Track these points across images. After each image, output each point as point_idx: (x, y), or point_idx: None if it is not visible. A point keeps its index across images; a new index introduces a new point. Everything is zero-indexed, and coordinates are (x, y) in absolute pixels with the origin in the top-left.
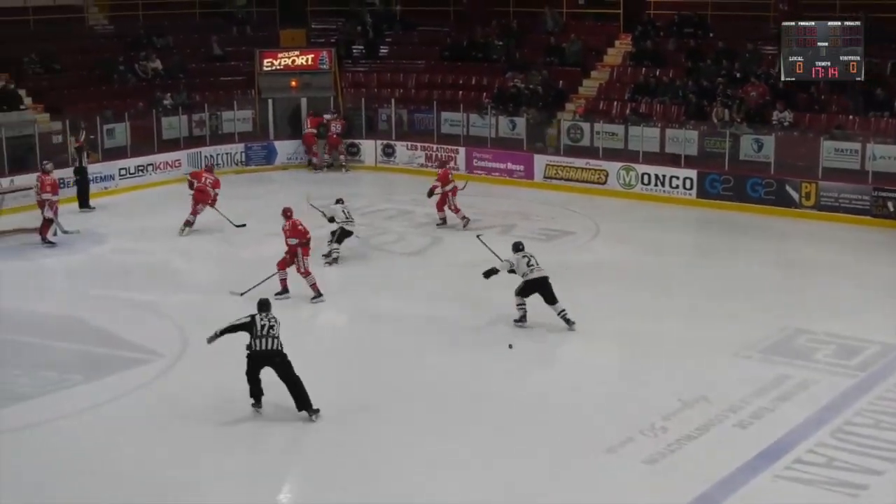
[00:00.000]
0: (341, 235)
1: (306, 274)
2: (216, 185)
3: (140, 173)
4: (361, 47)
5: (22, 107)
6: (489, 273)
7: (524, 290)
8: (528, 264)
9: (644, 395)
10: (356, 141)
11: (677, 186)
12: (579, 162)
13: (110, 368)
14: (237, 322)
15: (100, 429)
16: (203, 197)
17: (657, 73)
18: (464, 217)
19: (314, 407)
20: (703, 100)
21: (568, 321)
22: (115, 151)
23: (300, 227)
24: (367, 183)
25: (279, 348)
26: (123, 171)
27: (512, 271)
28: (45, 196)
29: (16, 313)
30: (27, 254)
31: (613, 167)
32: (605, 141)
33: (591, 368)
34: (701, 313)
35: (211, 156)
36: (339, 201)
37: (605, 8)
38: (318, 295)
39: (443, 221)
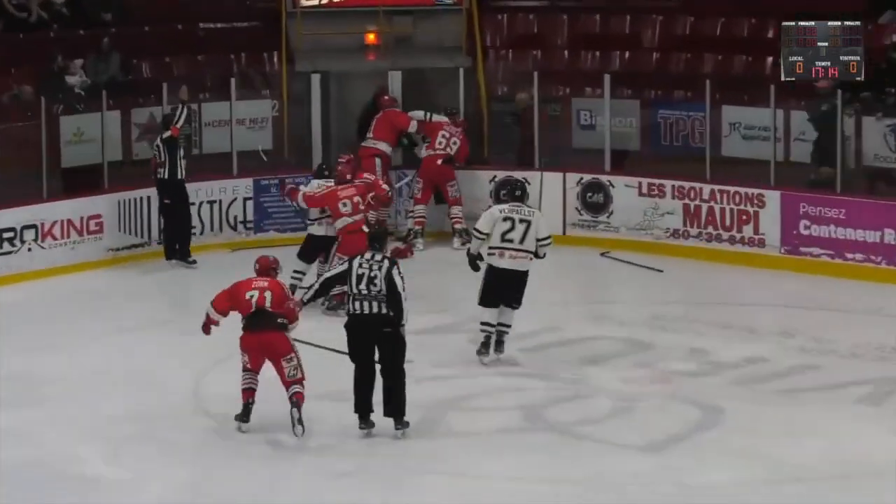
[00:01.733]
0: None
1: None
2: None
3: (5, 248)
4: None
5: None
6: (473, 262)
7: (486, 293)
8: (505, 235)
9: None
10: (513, 175)
11: None
12: None
13: None
14: (332, 273)
15: None
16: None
17: None
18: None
19: (405, 419)
20: None
21: (500, 343)
22: None
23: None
24: (546, 268)
25: (389, 313)
26: None
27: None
28: None
29: None
30: None
31: None
32: None
33: None
34: None
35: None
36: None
37: None
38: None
39: None
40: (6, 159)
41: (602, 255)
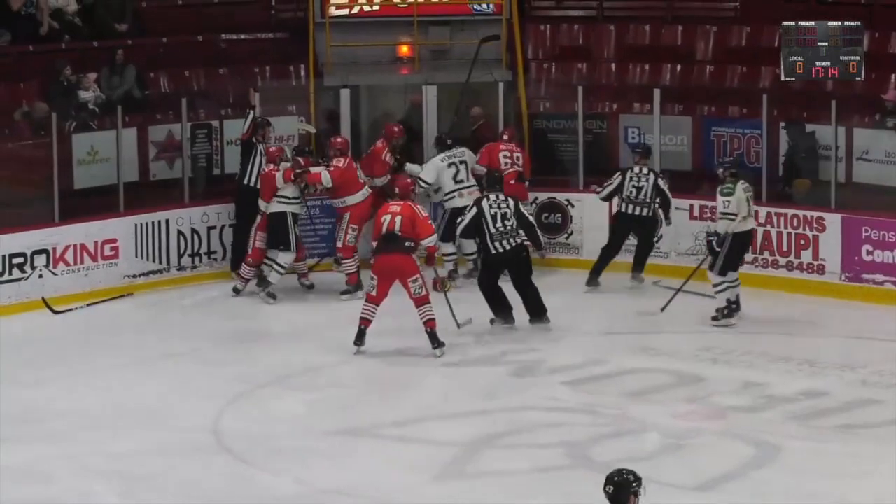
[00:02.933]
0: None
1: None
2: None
3: (15, 275)
4: None
5: None
6: None
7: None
8: (456, 177)
9: None
10: (556, 197)
11: None
12: None
13: None
14: (466, 221)
15: None
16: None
17: None
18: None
19: (547, 316)
20: None
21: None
22: None
23: None
24: (590, 296)
25: (521, 242)
26: None
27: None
28: None
29: None
30: None
31: None
32: None
33: None
34: None
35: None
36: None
37: None
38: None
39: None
40: (16, 179)
41: (654, 284)
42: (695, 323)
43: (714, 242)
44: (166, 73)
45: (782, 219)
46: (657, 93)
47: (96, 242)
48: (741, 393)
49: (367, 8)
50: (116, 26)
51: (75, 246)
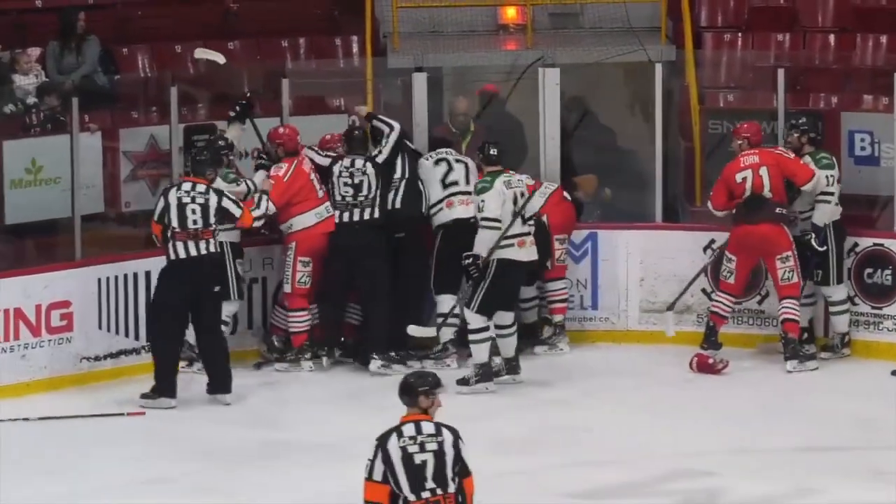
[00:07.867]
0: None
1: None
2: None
3: None
4: None
5: None
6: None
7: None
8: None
9: None
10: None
11: None
12: None
13: None
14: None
15: None
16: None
17: None
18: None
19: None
20: None
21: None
22: None
23: None
24: (793, 389)
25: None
26: None
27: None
28: None
29: None
30: None
31: None
32: None
33: None
34: None
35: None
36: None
37: None
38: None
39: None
40: None
41: (894, 373)
42: None
43: (815, 240)
44: (147, 50)
45: None
46: None
47: (39, 307)
48: None
49: None
50: None
51: (6, 312)
